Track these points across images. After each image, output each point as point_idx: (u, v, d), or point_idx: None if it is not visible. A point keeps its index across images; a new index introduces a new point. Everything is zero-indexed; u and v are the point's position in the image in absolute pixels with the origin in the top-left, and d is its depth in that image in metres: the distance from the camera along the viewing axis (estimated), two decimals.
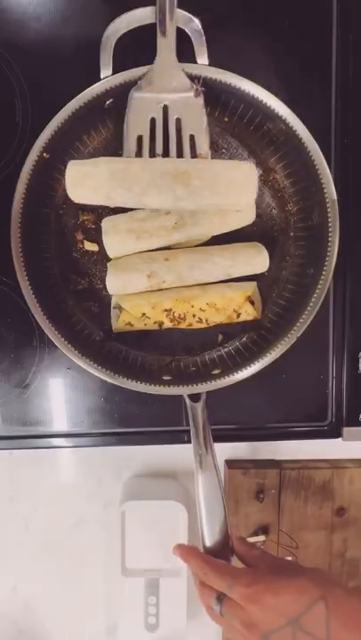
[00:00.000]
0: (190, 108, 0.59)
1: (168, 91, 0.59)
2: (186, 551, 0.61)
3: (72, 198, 0.60)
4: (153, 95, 0.59)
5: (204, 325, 0.66)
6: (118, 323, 0.65)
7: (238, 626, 0.53)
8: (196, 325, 0.65)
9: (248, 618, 0.52)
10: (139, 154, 0.60)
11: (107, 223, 0.63)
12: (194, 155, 0.61)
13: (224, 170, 0.60)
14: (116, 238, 0.63)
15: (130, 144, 0.60)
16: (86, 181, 0.58)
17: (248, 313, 0.66)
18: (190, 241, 0.65)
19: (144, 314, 0.64)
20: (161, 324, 0.65)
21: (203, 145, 0.61)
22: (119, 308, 0.65)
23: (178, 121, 0.60)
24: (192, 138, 0.60)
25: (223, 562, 0.58)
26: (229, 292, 0.65)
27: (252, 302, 0.66)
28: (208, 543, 0.62)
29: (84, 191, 0.59)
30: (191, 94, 0.59)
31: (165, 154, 0.61)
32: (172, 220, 0.63)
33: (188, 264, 0.64)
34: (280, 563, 0.57)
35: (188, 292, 0.65)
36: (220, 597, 0.55)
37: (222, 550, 0.61)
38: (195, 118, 0.60)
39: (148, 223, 0.63)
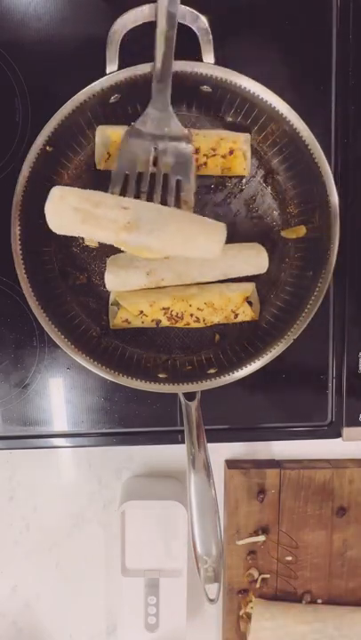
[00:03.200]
0: (180, 156, 0.60)
1: (161, 134, 0.60)
2: None
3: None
4: (144, 139, 0.60)
5: (201, 325, 0.65)
6: (116, 320, 0.65)
7: None
8: (194, 325, 0.65)
9: None
10: (123, 191, 0.60)
11: (55, 191, 0.57)
12: (178, 203, 0.61)
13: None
14: (59, 210, 0.57)
15: (115, 183, 0.60)
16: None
17: (246, 314, 0.66)
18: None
19: (142, 311, 0.64)
20: (158, 322, 0.65)
21: (188, 194, 0.61)
22: (117, 304, 0.66)
23: (167, 165, 0.61)
24: (178, 184, 0.61)
25: None
26: (228, 292, 0.65)
27: (250, 303, 0.66)
28: (199, 548, 0.61)
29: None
30: (183, 144, 0.60)
31: (150, 195, 0.61)
32: (127, 218, 0.56)
33: (187, 262, 0.64)
34: None
35: (187, 291, 0.65)
36: None
37: (214, 556, 0.61)
38: (184, 165, 0.60)
39: (99, 210, 0.57)
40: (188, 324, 0.65)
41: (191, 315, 0.65)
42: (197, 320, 0.65)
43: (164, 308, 0.64)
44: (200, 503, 0.62)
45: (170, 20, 0.57)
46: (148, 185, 0.61)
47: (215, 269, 0.64)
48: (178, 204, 0.61)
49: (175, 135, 0.60)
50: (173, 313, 0.64)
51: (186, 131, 0.61)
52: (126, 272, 0.64)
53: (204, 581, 0.62)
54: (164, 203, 0.60)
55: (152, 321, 0.65)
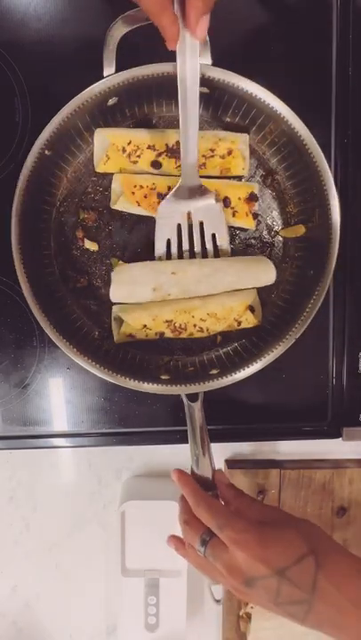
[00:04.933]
0: (210, 212, 0.64)
1: (192, 200, 0.64)
2: (183, 477, 0.61)
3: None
4: (178, 205, 0.64)
5: (205, 334, 0.65)
6: (119, 335, 0.65)
7: (222, 568, 0.54)
8: (197, 335, 0.65)
9: (234, 562, 0.53)
10: (168, 254, 0.65)
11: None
12: (216, 251, 0.66)
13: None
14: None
15: (159, 248, 0.65)
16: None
17: (249, 321, 0.66)
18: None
19: (145, 325, 0.64)
20: (162, 334, 0.65)
21: (223, 242, 0.65)
22: (119, 319, 0.65)
23: (201, 224, 0.65)
24: (214, 236, 0.65)
25: (216, 500, 0.58)
26: (229, 301, 0.65)
27: (252, 310, 0.66)
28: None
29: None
30: (212, 201, 0.63)
31: (192, 252, 0.66)
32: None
33: (196, 278, 0.63)
34: (269, 513, 0.57)
35: (189, 303, 0.64)
36: (205, 540, 0.56)
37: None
38: (215, 219, 0.64)
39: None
40: (192, 334, 0.65)
41: (194, 325, 0.64)
42: (201, 330, 0.65)
43: (167, 321, 0.64)
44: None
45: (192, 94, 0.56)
46: (188, 241, 0.65)
47: (223, 284, 0.64)
48: (216, 253, 0.66)
49: (204, 194, 0.63)
50: (177, 325, 0.64)
51: (213, 190, 0.64)
52: (132, 287, 0.63)
53: (210, 582, 0.62)
54: (204, 254, 0.66)
55: (155, 334, 0.65)
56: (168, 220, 0.64)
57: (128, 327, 0.65)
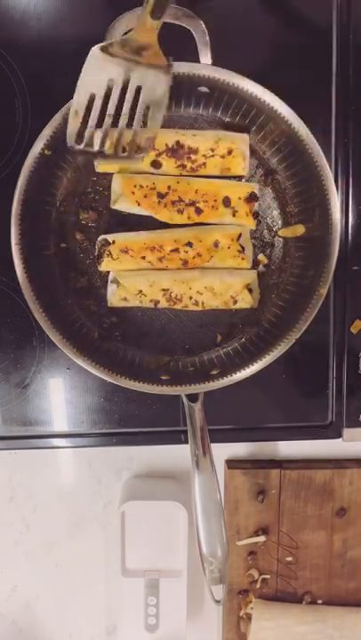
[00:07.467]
0: (155, 82, 0.54)
1: (137, 58, 0.53)
2: None
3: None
4: (117, 58, 0.54)
5: (199, 308, 0.65)
6: (114, 297, 0.65)
7: None
8: (192, 308, 0.65)
9: None
10: (87, 113, 0.55)
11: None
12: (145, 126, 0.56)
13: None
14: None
15: (81, 99, 0.54)
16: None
17: (245, 301, 0.66)
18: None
19: (141, 291, 0.64)
20: (157, 302, 0.65)
21: (156, 119, 0.55)
22: (117, 283, 0.65)
23: (138, 90, 0.54)
24: (147, 109, 0.55)
25: None
26: (229, 277, 0.65)
27: (250, 290, 0.66)
28: (205, 549, 0.62)
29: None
30: (161, 73, 0.54)
31: (116, 119, 0.55)
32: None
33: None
34: None
35: (188, 274, 0.65)
36: None
37: (219, 557, 0.61)
38: (156, 93, 0.54)
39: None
40: (187, 306, 0.65)
41: (190, 298, 0.65)
42: (196, 303, 0.65)
43: (163, 289, 0.64)
44: (205, 504, 0.62)
45: None
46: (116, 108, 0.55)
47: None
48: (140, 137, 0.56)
49: (154, 64, 0.54)
50: (173, 295, 0.64)
51: (167, 62, 0.55)
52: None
53: (210, 582, 0.62)
54: (129, 123, 0.56)
55: (150, 301, 0.65)
56: (98, 70, 0.53)
57: (123, 290, 0.65)
